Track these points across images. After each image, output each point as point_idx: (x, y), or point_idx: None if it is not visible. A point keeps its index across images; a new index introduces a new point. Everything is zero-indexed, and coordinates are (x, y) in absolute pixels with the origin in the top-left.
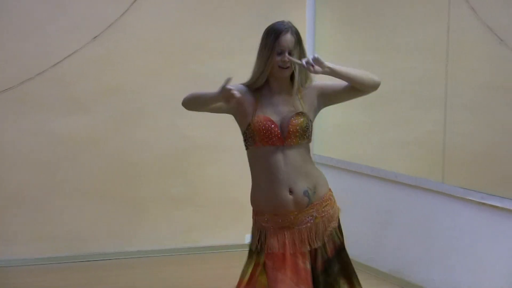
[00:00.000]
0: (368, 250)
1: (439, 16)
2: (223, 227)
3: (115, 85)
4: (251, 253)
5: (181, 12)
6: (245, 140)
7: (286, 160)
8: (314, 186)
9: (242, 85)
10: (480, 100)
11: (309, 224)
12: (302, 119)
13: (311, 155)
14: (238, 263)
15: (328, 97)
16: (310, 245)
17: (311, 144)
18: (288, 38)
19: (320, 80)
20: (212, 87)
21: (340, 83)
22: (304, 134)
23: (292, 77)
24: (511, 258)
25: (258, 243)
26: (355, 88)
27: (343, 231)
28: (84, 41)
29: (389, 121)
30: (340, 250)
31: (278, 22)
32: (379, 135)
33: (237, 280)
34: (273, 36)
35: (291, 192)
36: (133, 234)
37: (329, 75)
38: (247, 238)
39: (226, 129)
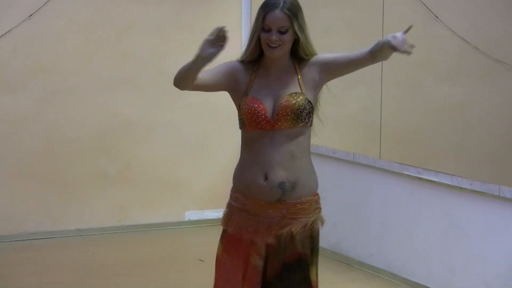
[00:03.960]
0: None
1: None
2: (159, 205)
3: (47, 64)
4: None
5: None
6: (239, 121)
7: (272, 144)
8: (294, 182)
9: (237, 62)
10: (411, 76)
11: (274, 220)
12: (295, 101)
13: (309, 145)
14: (176, 241)
15: (330, 71)
16: (268, 239)
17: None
18: (276, 14)
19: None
20: (145, 67)
21: (340, 54)
22: (298, 117)
23: (292, 52)
24: (448, 231)
25: (225, 220)
26: (369, 62)
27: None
28: (19, 20)
29: (325, 98)
30: (303, 261)
31: None
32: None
33: (175, 256)
34: (261, 11)
35: (265, 178)
36: (68, 213)
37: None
38: (187, 216)
39: (161, 108)
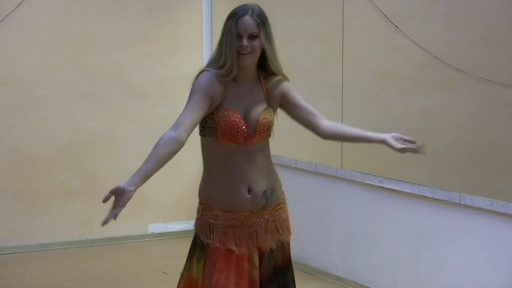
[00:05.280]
0: None
1: (334, 3)
2: (125, 218)
3: (10, 78)
4: (195, 248)
5: (74, 3)
6: (202, 128)
7: (248, 158)
8: (272, 187)
9: (208, 73)
10: (373, 87)
11: (260, 227)
12: (270, 117)
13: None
14: (140, 253)
15: (286, 105)
16: (259, 248)
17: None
18: (246, 20)
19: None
20: (108, 79)
21: (303, 102)
22: (269, 132)
23: (259, 64)
24: (412, 239)
25: (203, 238)
26: (319, 132)
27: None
28: None
29: None
30: (289, 264)
31: (241, 5)
32: (278, 122)
33: (139, 269)
34: (232, 19)
35: (249, 191)
36: (34, 227)
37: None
38: (150, 228)
39: (125, 120)
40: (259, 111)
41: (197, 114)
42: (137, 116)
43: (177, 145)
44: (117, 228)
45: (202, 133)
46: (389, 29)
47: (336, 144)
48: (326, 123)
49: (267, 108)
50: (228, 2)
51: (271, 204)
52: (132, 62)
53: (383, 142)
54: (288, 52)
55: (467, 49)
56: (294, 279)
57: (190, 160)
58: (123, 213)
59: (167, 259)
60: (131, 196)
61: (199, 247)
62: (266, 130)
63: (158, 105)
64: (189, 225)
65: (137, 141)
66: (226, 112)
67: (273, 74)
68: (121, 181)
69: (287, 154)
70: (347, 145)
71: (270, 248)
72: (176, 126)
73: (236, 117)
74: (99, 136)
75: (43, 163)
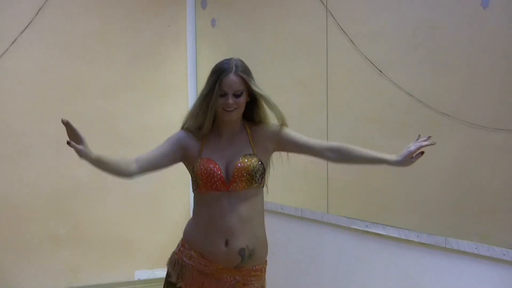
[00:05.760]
0: None
1: (318, 48)
2: (111, 265)
3: None
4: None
5: (59, 52)
6: (192, 183)
7: (232, 208)
8: (253, 248)
9: (183, 132)
10: (358, 131)
11: (227, 285)
12: (250, 162)
13: (263, 206)
14: None
15: (286, 147)
16: None
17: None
18: (230, 79)
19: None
20: (95, 127)
21: (302, 139)
22: (253, 178)
23: (244, 116)
24: (397, 283)
25: (176, 275)
26: (337, 160)
27: None
28: None
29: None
30: None
31: (224, 60)
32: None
33: None
34: (215, 76)
35: (226, 244)
36: (20, 276)
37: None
38: (137, 275)
39: None
40: (239, 156)
41: (159, 159)
42: None
43: (126, 171)
44: (103, 276)
45: (193, 188)
46: (373, 73)
47: (322, 189)
48: (331, 154)
49: (250, 154)
50: (213, 50)
51: (246, 267)
52: (118, 110)
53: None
54: (272, 97)
55: (451, 93)
56: None
57: (176, 206)
58: (109, 260)
59: None
60: (81, 151)
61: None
62: (245, 174)
63: (146, 151)
64: None
65: (124, 189)
66: (202, 161)
67: (261, 122)
68: (107, 229)
69: (274, 200)
70: (332, 190)
71: None
72: (138, 159)
73: (210, 162)
74: (86, 184)
75: (29, 211)
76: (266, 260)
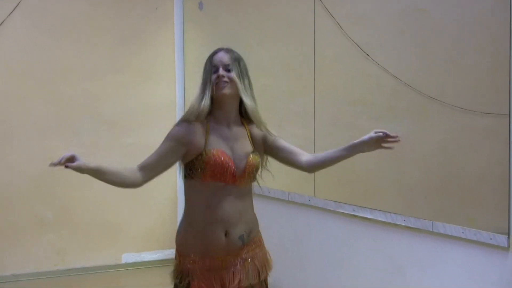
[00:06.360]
0: None
1: (306, 31)
2: (98, 248)
3: None
4: None
5: (45, 34)
6: (189, 170)
7: (232, 201)
8: (249, 231)
9: (183, 124)
10: (345, 114)
11: (238, 267)
12: (258, 160)
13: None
14: (113, 284)
15: (267, 149)
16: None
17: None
18: (220, 54)
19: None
20: (80, 109)
21: (283, 143)
22: (256, 175)
23: (241, 112)
24: (386, 267)
25: (183, 284)
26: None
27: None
28: None
29: None
30: None
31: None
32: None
33: None
34: (208, 58)
35: (226, 234)
36: (6, 258)
37: None
38: (124, 258)
39: (97, 150)
40: (248, 153)
41: (163, 162)
42: (109, 145)
43: (133, 181)
44: (90, 258)
45: (188, 175)
46: (360, 57)
47: None
48: (306, 158)
49: (254, 151)
50: (201, 33)
51: (247, 243)
52: (104, 92)
53: (368, 141)
54: (260, 80)
55: (438, 77)
56: None
57: (163, 189)
58: (96, 243)
59: None
60: (81, 165)
61: None
62: (254, 171)
63: (131, 135)
64: (163, 254)
65: None
66: (215, 152)
67: (255, 122)
68: (94, 212)
69: (261, 183)
70: (319, 174)
71: (251, 284)
72: (142, 167)
73: (226, 156)
74: None
75: (16, 194)
76: (258, 230)
